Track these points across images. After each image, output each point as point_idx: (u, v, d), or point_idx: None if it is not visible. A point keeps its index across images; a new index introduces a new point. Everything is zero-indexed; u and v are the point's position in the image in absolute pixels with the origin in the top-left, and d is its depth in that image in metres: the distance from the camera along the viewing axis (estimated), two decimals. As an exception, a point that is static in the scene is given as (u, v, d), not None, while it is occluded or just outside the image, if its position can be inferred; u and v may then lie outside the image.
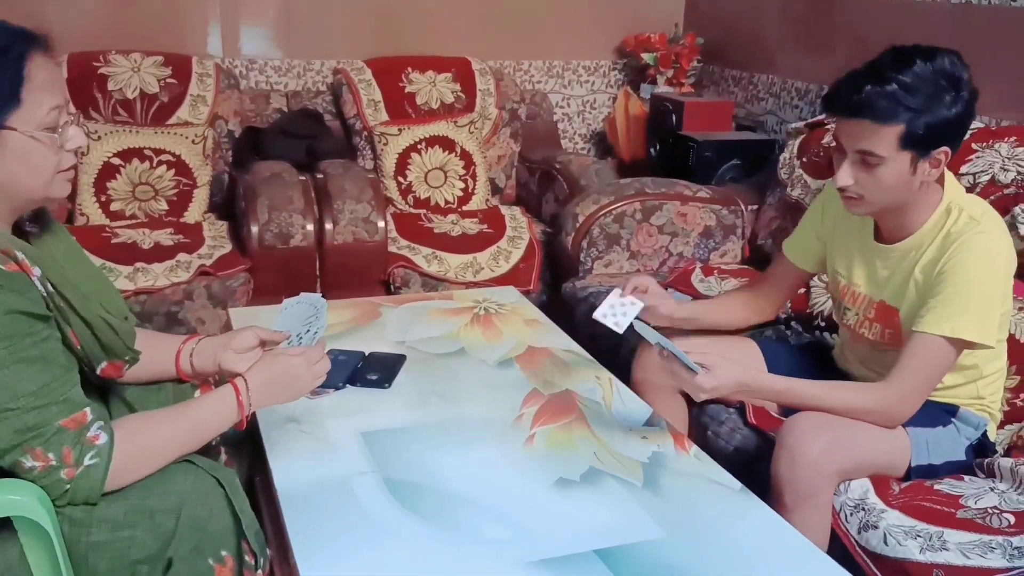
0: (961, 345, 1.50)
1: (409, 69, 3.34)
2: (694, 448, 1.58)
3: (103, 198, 2.85)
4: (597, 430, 1.63)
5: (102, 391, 1.42)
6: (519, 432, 1.61)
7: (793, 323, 2.20)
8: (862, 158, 1.48)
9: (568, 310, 2.58)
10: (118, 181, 2.87)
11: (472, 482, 1.45)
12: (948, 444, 1.60)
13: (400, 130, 3.18)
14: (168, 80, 3.05)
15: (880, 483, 1.54)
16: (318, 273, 2.70)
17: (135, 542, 1.17)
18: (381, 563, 1.24)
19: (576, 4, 3.78)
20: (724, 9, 3.68)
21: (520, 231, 2.98)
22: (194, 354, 1.48)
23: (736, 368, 1.54)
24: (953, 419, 1.63)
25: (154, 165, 2.90)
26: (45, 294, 1.18)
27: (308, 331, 1.43)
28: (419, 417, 1.66)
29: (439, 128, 3.22)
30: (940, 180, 1.57)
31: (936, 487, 1.53)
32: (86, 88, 2.95)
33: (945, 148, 1.48)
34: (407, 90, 3.30)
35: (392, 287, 2.75)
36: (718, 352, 1.58)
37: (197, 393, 1.49)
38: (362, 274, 2.71)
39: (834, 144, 1.54)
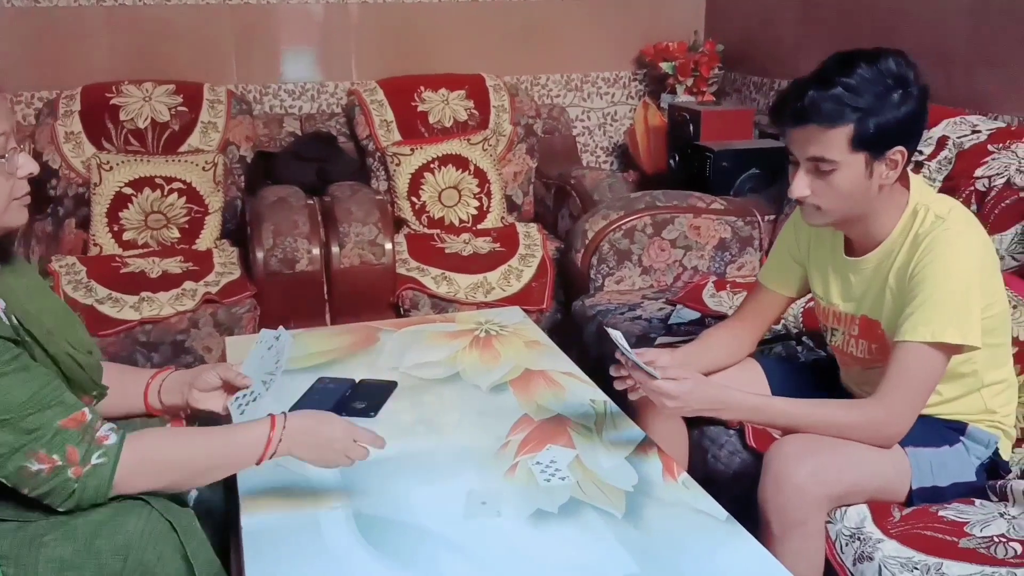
0: (945, 349, 1.41)
1: (421, 88, 3.32)
2: (683, 475, 1.51)
3: (115, 228, 2.88)
4: (584, 457, 1.56)
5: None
6: (502, 461, 1.56)
7: (804, 339, 2.11)
8: (815, 166, 1.42)
9: (578, 329, 2.51)
10: (130, 211, 2.90)
11: (444, 517, 1.39)
12: (956, 465, 1.50)
13: (413, 150, 3.16)
14: (179, 108, 3.08)
15: (879, 510, 1.45)
16: (326, 298, 2.69)
17: None
18: (336, 606, 1.20)
19: (593, 16, 3.73)
20: (745, 14, 3.59)
21: (533, 249, 2.92)
22: (162, 389, 1.47)
23: (709, 385, 1.48)
24: (962, 438, 1.53)
25: (165, 193, 2.92)
26: (11, 326, 1.18)
27: (264, 382, 1.41)
28: (401, 447, 1.61)
29: (452, 146, 3.19)
30: (905, 183, 1.49)
31: (941, 513, 1.43)
32: (98, 119, 3.00)
33: (900, 148, 1.41)
34: (419, 109, 3.28)
35: (401, 310, 2.72)
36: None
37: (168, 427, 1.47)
38: (371, 297, 2.69)
39: (790, 157, 1.47)
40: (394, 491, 1.46)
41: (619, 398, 1.81)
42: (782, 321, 2.15)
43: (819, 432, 1.46)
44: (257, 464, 1.30)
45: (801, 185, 1.45)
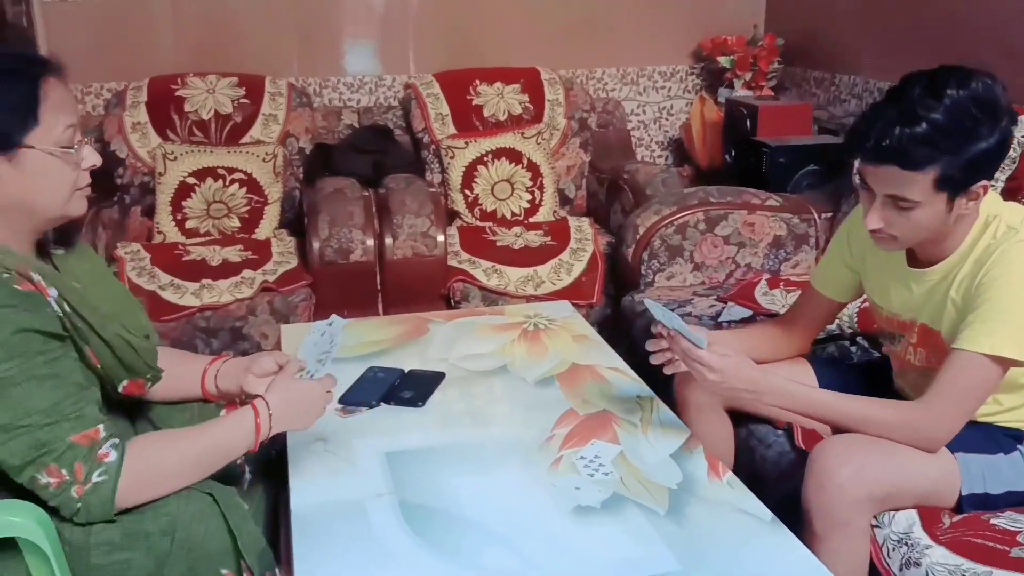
0: (1003, 363, 1.37)
1: (477, 81, 3.34)
2: (728, 475, 1.50)
3: (179, 216, 2.96)
4: (629, 454, 1.57)
5: (129, 410, 1.46)
6: (546, 455, 1.57)
7: (859, 339, 2.08)
8: (893, 202, 1.38)
9: (627, 324, 2.51)
10: (193, 200, 2.97)
11: (488, 507, 1.41)
12: (1010, 473, 1.47)
13: (467, 143, 3.18)
14: (241, 100, 3.15)
15: (929, 515, 1.42)
16: (379, 288, 2.73)
17: (132, 564, 1.19)
18: (379, 589, 1.22)
19: (650, 9, 3.70)
20: (806, 8, 3.53)
21: (584, 243, 2.92)
22: (219, 376, 1.51)
23: (751, 365, 1.47)
24: (1019, 446, 1.49)
25: (227, 183, 2.99)
26: (61, 314, 1.21)
27: (320, 361, 1.44)
28: (447, 438, 1.64)
29: (506, 140, 3.21)
30: None
31: (993, 521, 1.41)
32: (164, 111, 3.08)
33: (984, 182, 1.36)
34: (474, 103, 3.30)
35: (452, 301, 2.75)
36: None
37: (223, 413, 1.51)
38: (422, 289, 2.72)
39: (859, 181, 1.44)
40: (439, 481, 1.48)
41: (666, 395, 1.81)
42: (837, 321, 2.12)
43: (859, 428, 1.44)
44: (253, 452, 1.35)
45: (875, 218, 1.41)
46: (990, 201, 1.45)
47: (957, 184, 1.35)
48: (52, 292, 1.22)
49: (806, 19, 3.54)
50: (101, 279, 1.41)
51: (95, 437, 1.19)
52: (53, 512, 1.18)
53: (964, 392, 1.41)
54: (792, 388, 1.50)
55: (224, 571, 1.22)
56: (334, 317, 1.51)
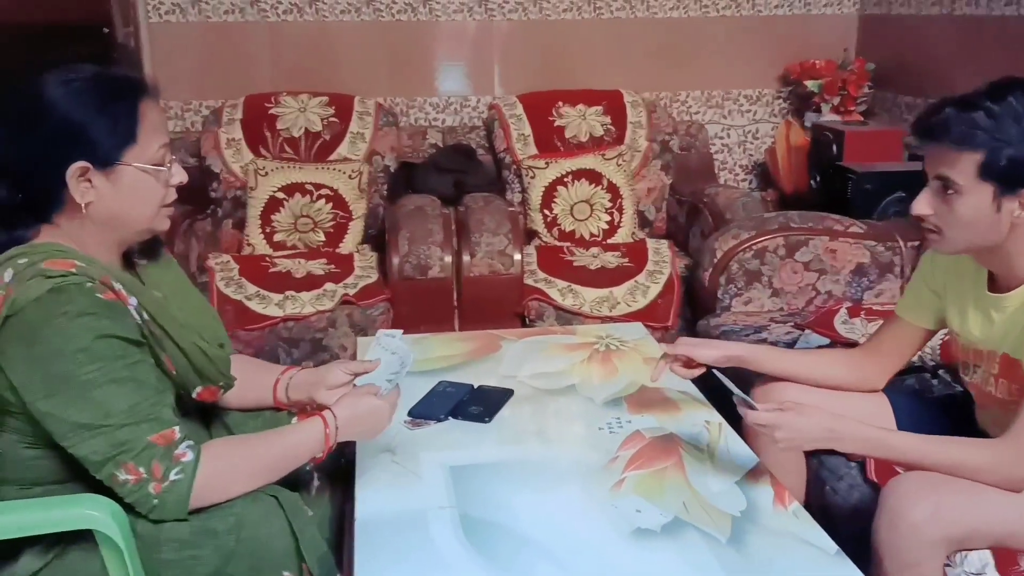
0: None
1: (560, 103, 3.37)
2: (794, 504, 1.47)
3: (268, 230, 3.07)
4: (692, 478, 1.55)
5: (205, 415, 1.52)
6: (610, 476, 1.57)
7: (941, 372, 2.01)
8: (941, 186, 1.37)
9: (701, 349, 2.48)
10: (281, 214, 3.08)
11: (548, 526, 1.42)
12: (1098, 519, 1.40)
13: (547, 163, 3.21)
14: (331, 119, 3.26)
15: (1004, 557, 1.36)
16: (456, 304, 2.77)
17: (200, 561, 1.24)
18: (436, 600, 1.25)
19: (737, 33, 3.68)
20: (900, 33, 3.45)
21: (661, 266, 2.91)
22: (290, 386, 1.56)
23: (820, 413, 1.44)
24: (1109, 490, 1.42)
25: (314, 199, 3.09)
26: (140, 322, 1.28)
27: (389, 381, 1.48)
28: (512, 454, 1.65)
29: (586, 161, 3.22)
30: None
31: (1077, 569, 1.34)
32: (257, 128, 3.21)
33: None
34: (556, 124, 3.33)
35: (527, 320, 2.77)
36: (818, 403, 1.49)
37: (294, 421, 1.56)
38: (498, 306, 2.75)
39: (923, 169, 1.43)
40: (501, 497, 1.50)
41: (736, 421, 1.79)
42: (919, 353, 2.06)
43: (942, 471, 1.39)
44: (320, 461, 1.40)
45: (922, 202, 1.40)
46: None
47: (1003, 178, 1.32)
48: (132, 301, 1.28)
49: (898, 43, 3.45)
50: (182, 290, 1.48)
51: (171, 438, 1.24)
52: (128, 509, 1.23)
53: None
54: (870, 433, 1.46)
55: (286, 573, 1.26)
56: (398, 334, 1.55)
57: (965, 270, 1.55)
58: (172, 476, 1.23)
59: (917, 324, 1.65)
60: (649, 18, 3.63)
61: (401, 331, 1.64)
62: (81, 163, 1.25)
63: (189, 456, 1.25)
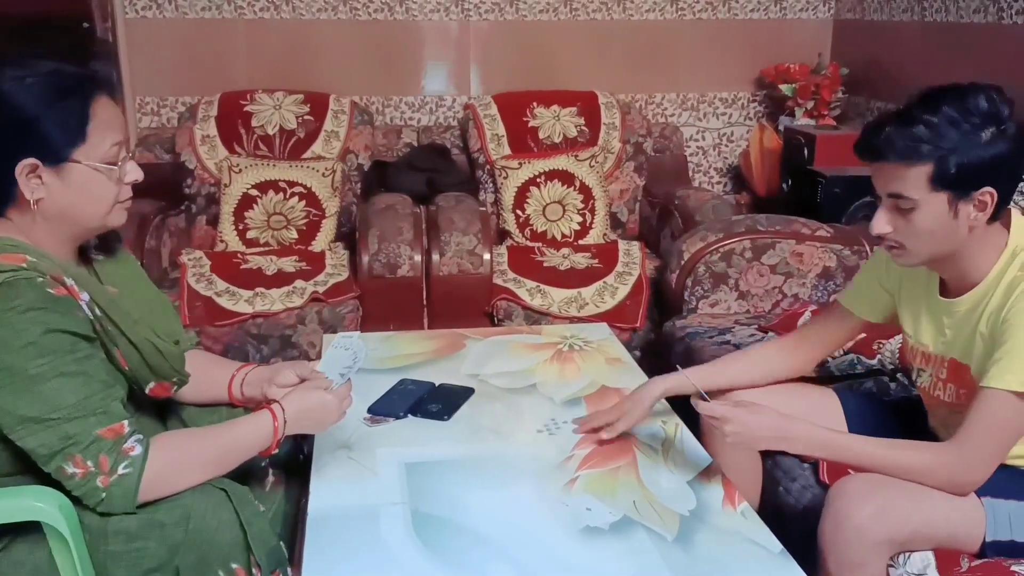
0: None
1: (534, 104, 3.39)
2: (743, 504, 1.49)
3: (240, 227, 3.07)
4: (645, 477, 1.57)
5: (161, 410, 1.53)
6: (563, 474, 1.58)
7: (899, 376, 2.03)
8: (895, 203, 1.38)
9: (666, 350, 2.51)
10: (255, 211, 3.08)
11: (498, 522, 1.43)
12: (1040, 521, 1.42)
13: (520, 164, 3.23)
14: (305, 117, 3.26)
15: (946, 558, 1.39)
16: (425, 303, 2.78)
17: (147, 553, 1.24)
18: (381, 596, 1.26)
19: (714, 36, 3.71)
20: (873, 38, 3.48)
21: (631, 267, 2.93)
22: (244, 382, 1.57)
23: (772, 414, 1.46)
24: (1050, 493, 1.45)
25: (287, 196, 3.09)
26: (92, 317, 1.28)
27: (342, 376, 1.49)
28: (468, 451, 1.67)
29: (559, 162, 3.24)
30: (1006, 223, 1.42)
31: (1015, 568, 1.36)
32: (232, 125, 3.21)
33: (989, 189, 1.34)
34: (530, 124, 3.35)
35: (495, 319, 2.78)
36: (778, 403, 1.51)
37: (249, 417, 1.57)
38: (467, 305, 2.76)
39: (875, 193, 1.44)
40: (454, 493, 1.51)
41: (694, 422, 1.81)
42: (877, 356, 2.09)
43: (889, 474, 1.41)
44: (268, 454, 1.42)
45: (881, 222, 1.41)
46: (1019, 230, 1.43)
47: (955, 184, 1.34)
48: (84, 296, 1.28)
49: (871, 49, 3.49)
50: (138, 286, 1.49)
51: (120, 432, 1.25)
52: (76, 501, 1.24)
53: (995, 432, 1.37)
54: (821, 435, 1.47)
55: (234, 565, 1.27)
56: (355, 334, 1.57)
57: (918, 274, 1.57)
58: (120, 470, 1.24)
59: (860, 316, 1.67)
60: (625, 20, 3.65)
61: (359, 332, 1.65)
62: (30, 160, 1.26)
63: (138, 450, 1.26)
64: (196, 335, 1.62)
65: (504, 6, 3.57)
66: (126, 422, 1.27)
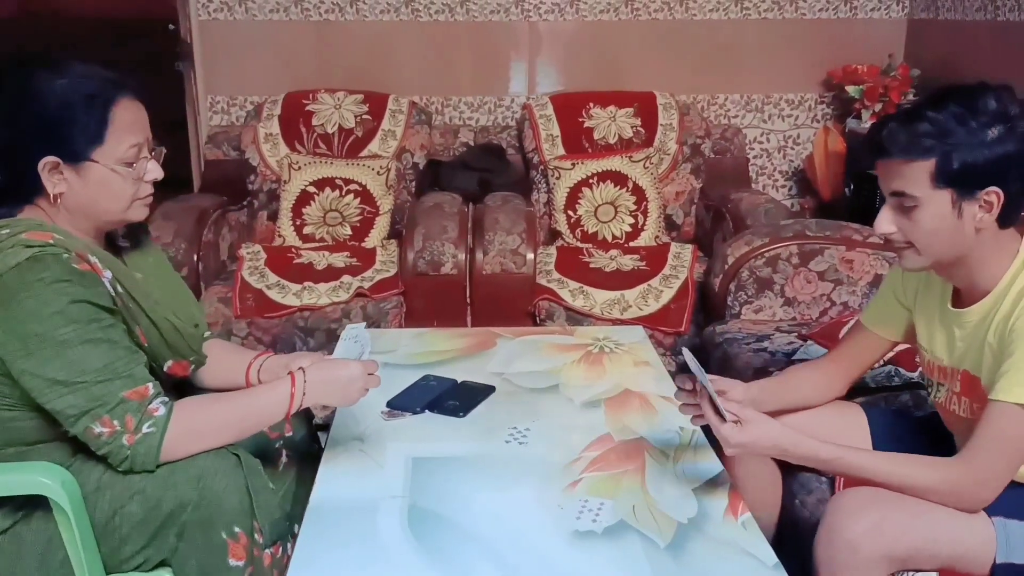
0: None
1: (591, 104, 3.38)
2: (745, 515, 1.46)
3: (298, 222, 3.16)
4: (650, 483, 1.56)
5: (180, 394, 1.59)
6: (568, 476, 1.58)
7: (937, 389, 1.95)
8: (899, 202, 1.35)
9: (706, 355, 2.47)
10: (312, 207, 3.17)
11: (493, 522, 1.44)
12: (1057, 544, 1.35)
13: (574, 164, 3.22)
14: (364, 116, 3.33)
15: (952, 581, 1.34)
16: (468, 302, 2.80)
17: (160, 510, 1.32)
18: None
19: (781, 36, 3.62)
20: (948, 40, 3.34)
21: (678, 270, 2.89)
22: (262, 369, 1.63)
23: (773, 429, 1.41)
24: (1068, 514, 1.37)
25: (343, 194, 3.17)
26: (113, 293, 1.36)
27: (358, 358, 1.53)
28: (477, 449, 1.68)
29: (613, 163, 3.22)
30: (1020, 230, 1.36)
31: (1026, 595, 1.30)
32: (294, 124, 3.30)
33: (995, 189, 1.29)
34: (586, 125, 3.34)
35: (537, 319, 2.79)
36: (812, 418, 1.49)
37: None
38: (509, 305, 2.77)
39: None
40: (455, 490, 1.53)
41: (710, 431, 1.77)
42: (919, 369, 2.01)
43: (895, 490, 1.36)
44: (286, 418, 1.45)
45: (884, 221, 1.37)
46: None
47: (957, 182, 1.29)
48: (107, 274, 1.37)
49: (944, 49, 3.35)
50: (162, 273, 1.56)
51: (145, 393, 1.33)
52: (101, 461, 1.33)
53: (1004, 447, 1.32)
54: (823, 452, 1.42)
55: (237, 529, 1.33)
56: (362, 325, 1.60)
57: (933, 284, 1.51)
58: (145, 429, 1.31)
59: (880, 335, 1.62)
60: (688, 20, 3.60)
61: (364, 324, 1.69)
62: (52, 158, 1.34)
63: (161, 411, 1.33)
64: (207, 327, 1.69)
65: (564, 6, 3.57)
66: (151, 384, 1.34)
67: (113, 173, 1.38)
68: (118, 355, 1.32)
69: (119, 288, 1.38)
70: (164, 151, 1.47)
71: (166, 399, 1.35)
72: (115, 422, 1.30)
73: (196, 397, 1.44)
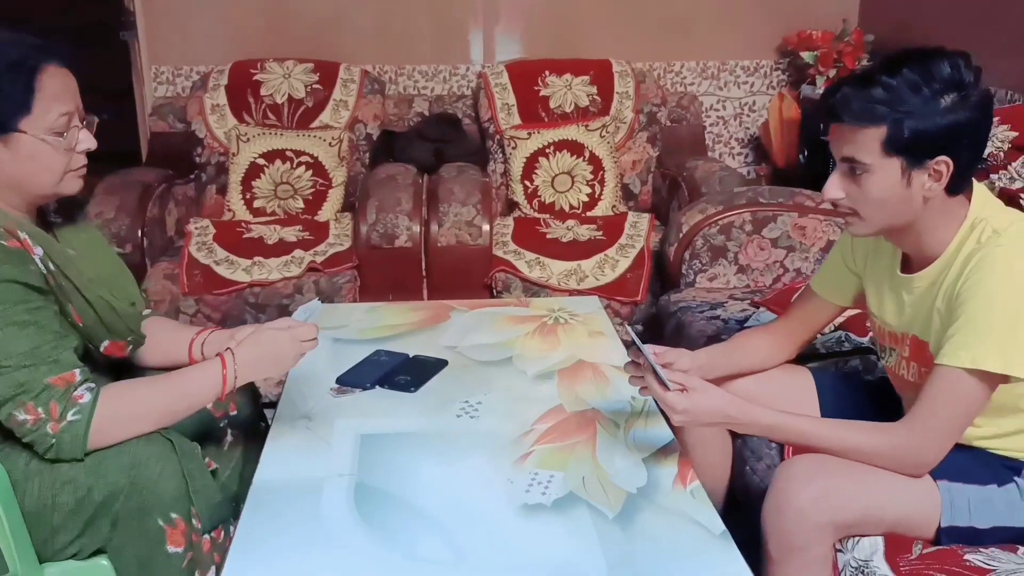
0: (987, 378, 1.28)
1: (546, 72, 3.34)
2: (694, 484, 1.46)
3: (248, 196, 3.09)
4: (601, 454, 1.55)
5: (119, 373, 1.55)
6: (519, 449, 1.57)
7: (887, 354, 1.97)
8: (849, 167, 1.33)
9: (661, 324, 2.47)
10: (262, 180, 3.10)
11: (441, 497, 1.42)
12: (1002, 506, 1.36)
13: (529, 134, 3.19)
14: (314, 86, 3.26)
15: (896, 544, 1.34)
16: (424, 274, 2.77)
17: (90, 499, 1.28)
18: (307, 569, 1.26)
19: (736, 1, 3.60)
20: (902, 4, 3.34)
21: (635, 240, 2.88)
22: (205, 344, 1.59)
23: (718, 397, 1.40)
24: (1016, 478, 1.38)
25: (294, 166, 3.10)
26: (45, 271, 1.31)
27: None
28: (427, 425, 1.66)
29: (569, 132, 3.19)
30: (968, 195, 1.35)
31: (967, 556, 1.31)
32: (242, 94, 3.22)
33: (945, 158, 1.28)
34: (542, 93, 3.30)
35: (494, 291, 2.76)
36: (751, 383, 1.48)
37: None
38: (465, 277, 2.75)
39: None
40: (404, 467, 1.51)
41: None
42: (870, 334, 2.02)
43: (839, 456, 1.37)
44: (221, 400, 1.43)
45: (833, 186, 1.36)
46: (981, 201, 1.36)
47: (908, 150, 1.28)
48: (38, 251, 1.31)
49: (900, 17, 3.35)
50: (96, 249, 1.51)
51: (71, 380, 1.28)
52: (27, 449, 1.29)
53: (948, 411, 1.32)
54: (768, 419, 1.42)
55: (174, 515, 1.30)
56: (315, 301, 1.56)
57: (883, 250, 1.51)
58: (69, 416, 1.27)
59: (829, 300, 1.62)
60: (645, -13, 3.56)
61: (318, 299, 1.65)
62: None
63: (87, 398, 1.29)
64: (147, 300, 1.64)
65: (520, -27, 3.51)
66: (77, 371, 1.30)
67: (43, 143, 1.32)
68: (45, 339, 1.28)
69: (51, 266, 1.33)
70: (96, 120, 1.42)
71: (92, 385, 1.31)
72: (39, 409, 1.25)
73: (124, 382, 1.39)
